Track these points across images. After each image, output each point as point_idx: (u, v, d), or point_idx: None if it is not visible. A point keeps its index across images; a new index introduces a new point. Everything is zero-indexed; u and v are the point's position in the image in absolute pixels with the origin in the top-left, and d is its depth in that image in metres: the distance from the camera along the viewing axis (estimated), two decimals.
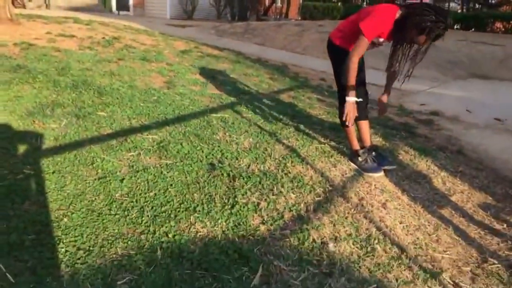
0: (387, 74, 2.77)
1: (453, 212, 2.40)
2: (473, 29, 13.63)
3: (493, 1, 21.57)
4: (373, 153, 2.82)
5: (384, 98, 2.86)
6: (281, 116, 3.75)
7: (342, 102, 2.72)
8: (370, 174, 2.72)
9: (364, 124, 2.89)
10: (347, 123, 2.63)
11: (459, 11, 22.01)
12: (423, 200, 2.49)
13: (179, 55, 6.00)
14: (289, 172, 2.59)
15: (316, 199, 2.33)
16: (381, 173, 2.74)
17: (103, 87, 3.83)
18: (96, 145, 2.66)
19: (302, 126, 3.49)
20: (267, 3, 28.46)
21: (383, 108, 2.94)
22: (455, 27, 13.83)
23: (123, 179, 2.28)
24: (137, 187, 2.23)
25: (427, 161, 3.07)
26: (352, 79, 2.54)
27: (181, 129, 3.10)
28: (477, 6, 21.01)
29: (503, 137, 3.90)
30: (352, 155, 2.87)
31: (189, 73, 4.98)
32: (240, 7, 18.00)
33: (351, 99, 2.56)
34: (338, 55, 2.76)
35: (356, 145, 2.86)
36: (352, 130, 2.85)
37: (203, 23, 13.37)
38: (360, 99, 2.66)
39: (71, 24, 6.86)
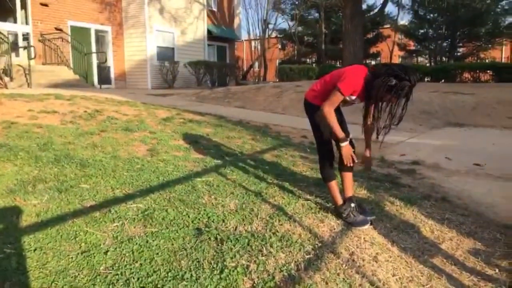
0: (364, 129, 2.86)
1: (444, 260, 2.38)
2: (443, 80, 14.32)
3: (458, 54, 22.90)
4: (352, 204, 2.82)
5: (368, 153, 2.93)
6: (265, 176, 3.78)
7: (322, 157, 2.90)
8: (358, 227, 2.70)
9: (348, 175, 2.91)
10: (349, 165, 2.71)
11: (428, 64, 23.21)
12: (414, 250, 2.47)
13: (162, 123, 6.09)
14: (277, 231, 2.56)
15: (306, 257, 2.29)
16: (368, 225, 2.73)
17: (85, 160, 3.83)
18: (79, 218, 2.60)
19: (287, 184, 3.51)
20: (245, 68, 29.63)
21: (369, 164, 3.00)
22: (425, 79, 14.52)
23: (107, 251, 2.22)
24: (122, 258, 2.16)
25: (413, 210, 3.09)
26: (335, 126, 2.62)
27: (166, 195, 3.08)
28: (444, 59, 22.23)
29: (485, 181, 3.97)
30: (337, 210, 2.87)
31: (172, 140, 5.03)
32: (219, 73, 18.65)
33: (344, 143, 2.64)
34: (315, 113, 2.85)
35: (339, 200, 2.87)
36: (334, 185, 2.90)
37: (184, 91, 13.71)
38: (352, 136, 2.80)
39: (53, 101, 6.95)
